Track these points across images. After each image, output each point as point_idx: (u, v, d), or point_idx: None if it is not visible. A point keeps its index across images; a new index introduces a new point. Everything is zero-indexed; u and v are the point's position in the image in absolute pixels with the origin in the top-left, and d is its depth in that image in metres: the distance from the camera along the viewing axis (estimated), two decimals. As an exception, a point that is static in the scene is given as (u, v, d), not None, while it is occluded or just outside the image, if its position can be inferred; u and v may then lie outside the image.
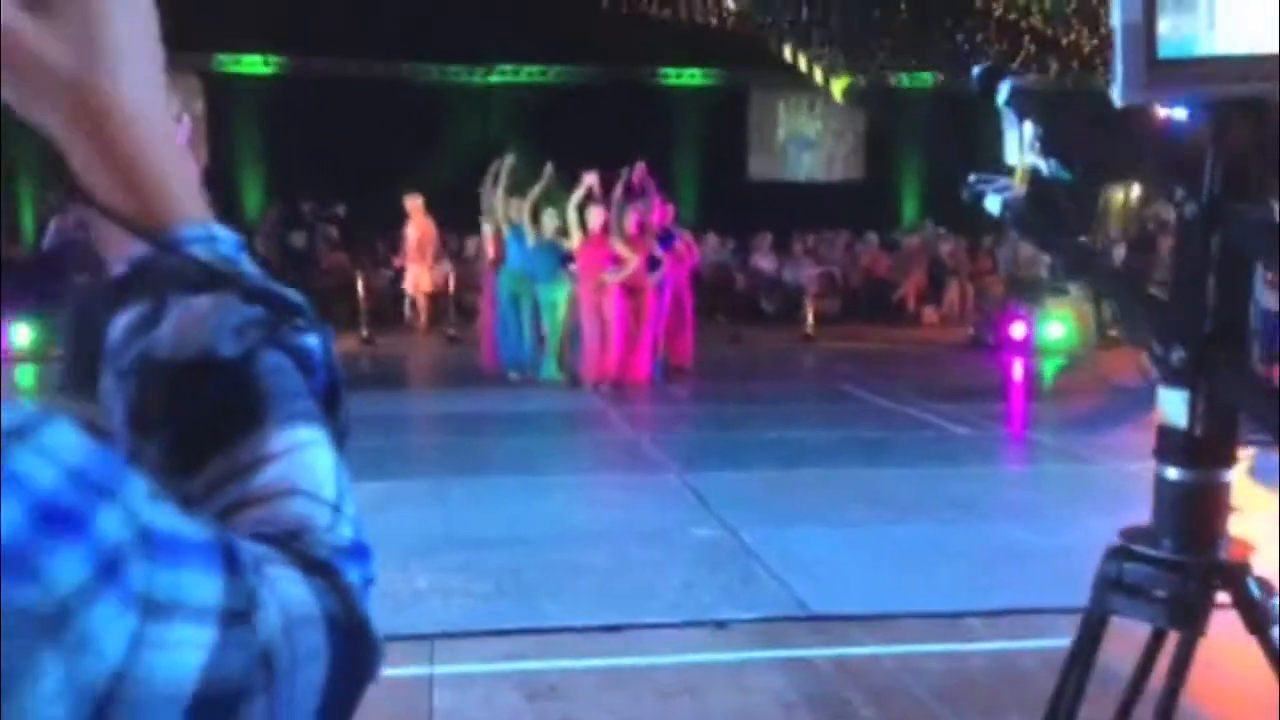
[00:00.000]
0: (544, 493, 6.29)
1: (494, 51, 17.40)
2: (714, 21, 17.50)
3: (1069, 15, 16.45)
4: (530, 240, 10.37)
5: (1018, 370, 11.75)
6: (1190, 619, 1.60)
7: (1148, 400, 1.87)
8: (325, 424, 0.48)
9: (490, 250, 10.95)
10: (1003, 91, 1.69)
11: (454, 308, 13.50)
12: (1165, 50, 1.39)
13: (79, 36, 0.49)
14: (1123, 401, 9.08)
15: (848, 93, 16.97)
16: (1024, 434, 9.02)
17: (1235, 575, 1.63)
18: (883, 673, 3.79)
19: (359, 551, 0.45)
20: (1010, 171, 1.73)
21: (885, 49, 17.26)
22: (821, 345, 13.63)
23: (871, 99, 17.88)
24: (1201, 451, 1.61)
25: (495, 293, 10.88)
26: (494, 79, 18.19)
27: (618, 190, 10.27)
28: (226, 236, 0.52)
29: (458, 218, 13.39)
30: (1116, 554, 1.68)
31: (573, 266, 10.25)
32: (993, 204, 1.78)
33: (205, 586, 0.33)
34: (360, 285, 13.37)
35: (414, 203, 12.94)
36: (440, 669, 3.67)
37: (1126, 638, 1.86)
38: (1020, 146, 1.69)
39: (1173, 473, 1.63)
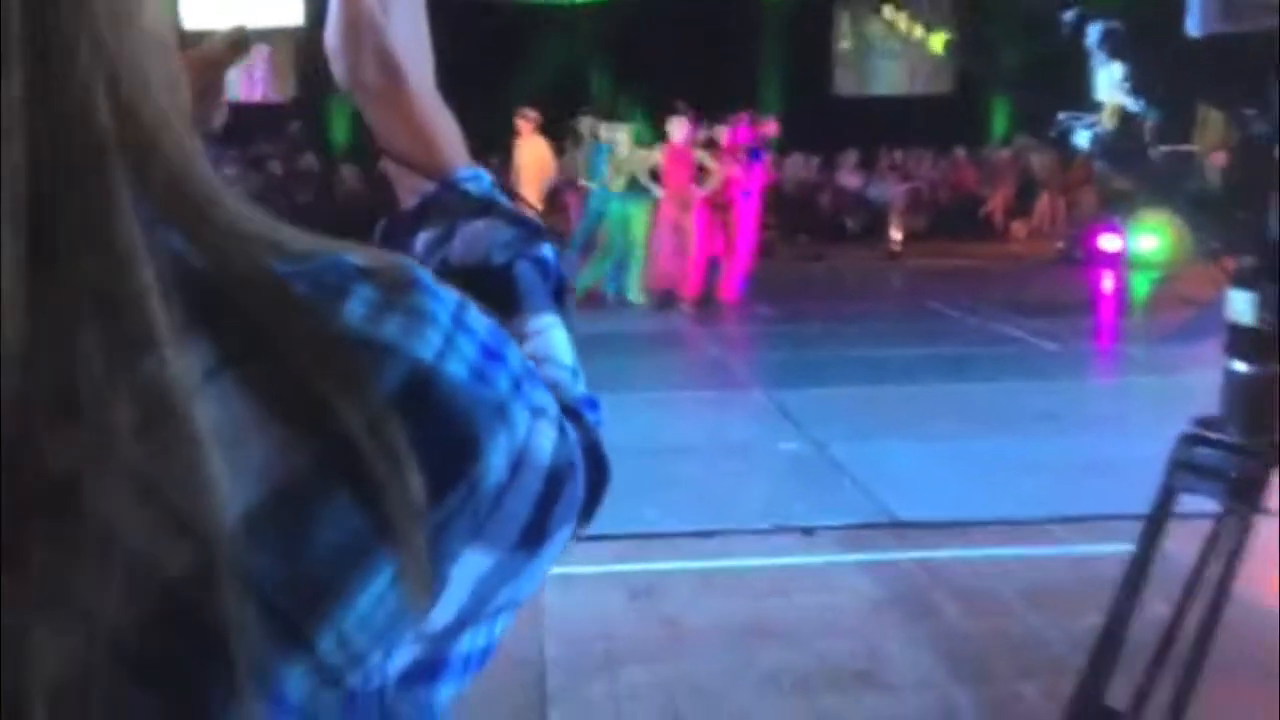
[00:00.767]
0: (634, 410, 6.50)
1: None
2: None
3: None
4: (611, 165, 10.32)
5: (1108, 283, 11.59)
6: (1252, 496, 1.77)
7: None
8: (559, 312, 0.67)
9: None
10: (1092, 34, 1.82)
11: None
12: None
13: (398, 37, 0.69)
14: (1214, 314, 8.95)
15: (947, 48, 16.59)
16: (1113, 348, 8.97)
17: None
18: (966, 575, 3.96)
19: (592, 401, 0.64)
20: (1100, 107, 1.86)
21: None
22: (907, 263, 13.55)
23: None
24: (1266, 347, 1.77)
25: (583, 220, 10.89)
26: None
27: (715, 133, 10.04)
28: (484, 176, 0.70)
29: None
30: (1188, 439, 1.86)
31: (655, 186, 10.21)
32: (1081, 139, 1.92)
33: (551, 404, 0.51)
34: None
35: (525, 122, 10.97)
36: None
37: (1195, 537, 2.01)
38: (1110, 84, 1.82)
39: (1240, 365, 1.80)
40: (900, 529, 4.46)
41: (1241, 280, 1.81)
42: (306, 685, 0.39)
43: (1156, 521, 1.95)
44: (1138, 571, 1.96)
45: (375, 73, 0.68)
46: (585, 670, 3.33)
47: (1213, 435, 1.85)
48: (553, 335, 0.65)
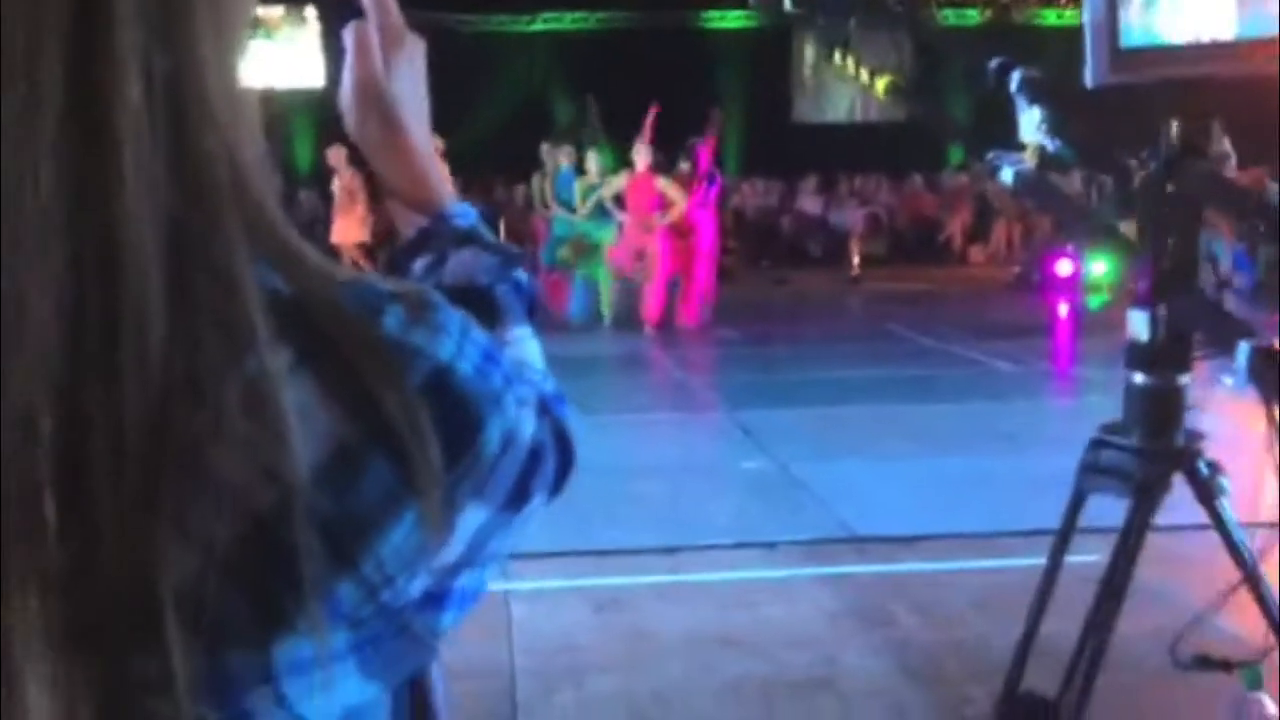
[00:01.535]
0: (600, 431, 6.60)
1: (538, -1, 17.56)
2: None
3: None
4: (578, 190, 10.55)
5: (1063, 308, 11.86)
6: (1153, 496, 1.95)
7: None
8: (530, 325, 0.80)
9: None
10: (1013, 81, 2.01)
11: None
12: (1127, 40, 1.69)
13: (400, 95, 0.80)
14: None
15: (889, 90, 16.90)
16: (1069, 369, 9.18)
17: (1189, 458, 2.01)
18: (923, 586, 4.10)
19: (559, 397, 0.75)
20: (1023, 147, 2.06)
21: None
22: (867, 287, 13.80)
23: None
24: (1160, 360, 1.97)
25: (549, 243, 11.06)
26: (537, 26, 18.37)
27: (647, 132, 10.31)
28: (471, 211, 0.83)
29: (504, 166, 13.64)
30: (1095, 444, 2.05)
31: (619, 213, 10.42)
32: (1006, 176, 2.11)
33: (531, 397, 0.64)
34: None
35: (337, 155, 11.10)
36: (516, 585, 4.04)
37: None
38: (1031, 126, 2.02)
39: (1139, 378, 1.99)
40: (859, 543, 4.60)
41: (1137, 301, 2.03)
42: (353, 596, 0.53)
43: (1069, 521, 2.14)
44: (1049, 577, 2.15)
45: (379, 127, 0.80)
46: (553, 680, 3.43)
47: (1116, 440, 2.04)
48: (527, 344, 0.79)
